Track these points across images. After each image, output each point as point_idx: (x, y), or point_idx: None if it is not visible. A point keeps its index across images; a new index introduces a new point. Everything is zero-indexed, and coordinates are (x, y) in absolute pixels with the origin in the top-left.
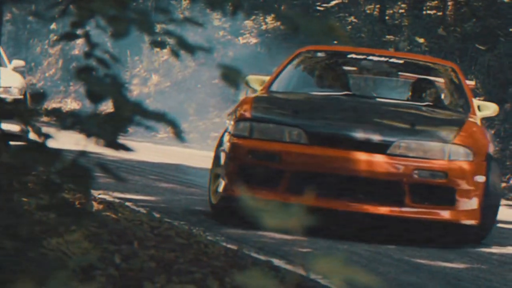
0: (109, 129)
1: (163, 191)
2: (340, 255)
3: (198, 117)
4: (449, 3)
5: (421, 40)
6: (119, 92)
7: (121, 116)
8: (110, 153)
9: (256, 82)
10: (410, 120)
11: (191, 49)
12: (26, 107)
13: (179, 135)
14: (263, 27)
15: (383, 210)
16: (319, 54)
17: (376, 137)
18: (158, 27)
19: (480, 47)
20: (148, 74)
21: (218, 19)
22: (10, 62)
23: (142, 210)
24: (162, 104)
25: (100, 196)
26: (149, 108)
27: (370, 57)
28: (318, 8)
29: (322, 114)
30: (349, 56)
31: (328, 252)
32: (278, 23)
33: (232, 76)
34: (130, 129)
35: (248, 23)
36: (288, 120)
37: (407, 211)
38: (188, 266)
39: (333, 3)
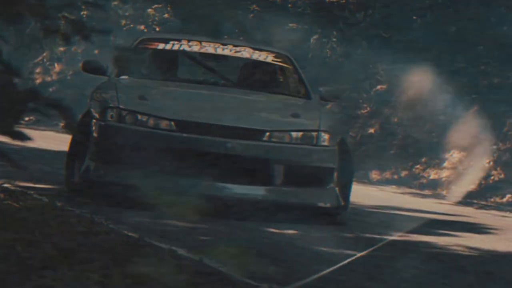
0: (3, 117)
1: None
2: (240, 243)
3: None
4: None
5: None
6: (9, 80)
7: (12, 104)
8: (12, 141)
9: None
10: None
11: (87, 32)
12: None
13: (69, 123)
14: (166, 15)
15: None
16: None
17: None
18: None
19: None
20: (51, 63)
21: (120, 8)
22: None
23: (44, 198)
24: (64, 93)
25: (1, 185)
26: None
27: None
28: None
29: None
30: None
31: (228, 240)
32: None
33: (122, 59)
34: (34, 118)
35: (151, 11)
36: None
37: None
38: (90, 254)
39: None
